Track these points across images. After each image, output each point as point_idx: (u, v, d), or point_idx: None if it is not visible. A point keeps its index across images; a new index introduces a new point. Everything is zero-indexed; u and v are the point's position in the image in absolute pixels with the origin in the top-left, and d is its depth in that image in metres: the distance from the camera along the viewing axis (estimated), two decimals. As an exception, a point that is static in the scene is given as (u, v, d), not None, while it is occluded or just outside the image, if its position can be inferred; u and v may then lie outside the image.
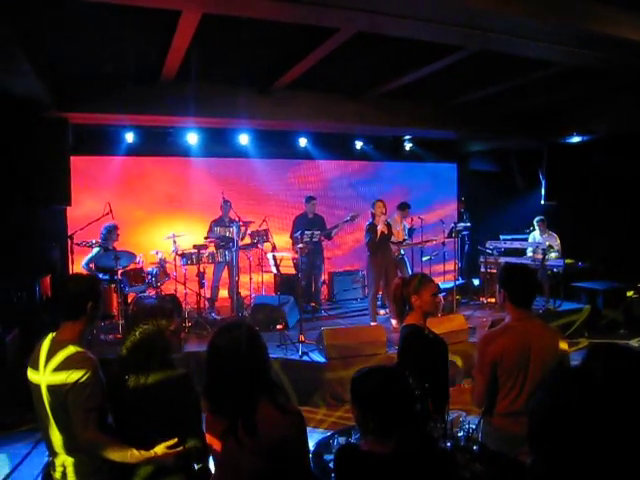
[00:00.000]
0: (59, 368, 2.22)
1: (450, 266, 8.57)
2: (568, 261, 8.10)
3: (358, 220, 8.02)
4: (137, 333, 2.34)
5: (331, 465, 2.33)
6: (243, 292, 7.99)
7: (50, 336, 2.37)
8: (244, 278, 7.93)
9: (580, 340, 7.44)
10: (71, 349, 2.25)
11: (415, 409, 2.07)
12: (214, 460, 2.14)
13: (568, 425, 1.10)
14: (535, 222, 8.64)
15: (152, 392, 2.28)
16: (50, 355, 2.28)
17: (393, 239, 7.40)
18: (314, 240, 7.35)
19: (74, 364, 2.22)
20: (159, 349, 2.37)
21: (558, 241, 8.47)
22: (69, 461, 2.27)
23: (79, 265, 6.49)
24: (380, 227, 7.01)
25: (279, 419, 1.93)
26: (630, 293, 8.20)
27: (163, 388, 2.30)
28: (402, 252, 8.06)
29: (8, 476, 4.18)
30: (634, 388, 1.14)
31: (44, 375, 2.26)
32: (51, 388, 2.24)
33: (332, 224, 8.26)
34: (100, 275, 6.46)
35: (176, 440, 2.25)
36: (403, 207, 8.16)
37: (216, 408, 2.05)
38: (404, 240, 8.02)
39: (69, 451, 2.28)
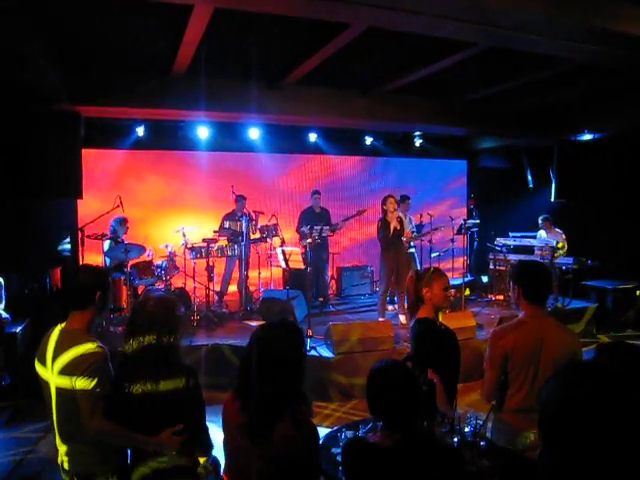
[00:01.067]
0: (66, 371, 2.22)
1: (459, 263, 8.54)
2: (579, 259, 8.05)
3: (366, 215, 7.97)
4: (144, 336, 2.33)
5: (339, 458, 2.34)
6: (251, 286, 8.02)
7: (59, 327, 2.38)
8: (253, 273, 7.96)
9: (599, 338, 7.43)
10: (81, 348, 2.23)
11: (422, 405, 2.09)
12: (225, 451, 2.16)
13: (582, 417, 1.10)
14: (540, 220, 8.59)
15: (158, 388, 2.30)
16: (58, 349, 2.28)
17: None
18: (323, 235, 7.36)
19: (81, 366, 2.20)
20: (166, 348, 2.36)
21: (564, 238, 8.42)
22: (63, 449, 2.32)
23: (89, 257, 6.54)
24: (393, 223, 7.00)
25: (293, 435, 1.95)
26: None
27: (169, 385, 2.32)
28: (412, 244, 8.00)
29: (19, 462, 4.26)
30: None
31: (52, 374, 2.26)
32: (60, 390, 2.26)
33: (340, 219, 8.25)
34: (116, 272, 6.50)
35: (182, 427, 2.28)
36: (403, 199, 7.97)
37: (240, 398, 2.06)
38: (412, 236, 7.93)
39: (64, 440, 2.32)
